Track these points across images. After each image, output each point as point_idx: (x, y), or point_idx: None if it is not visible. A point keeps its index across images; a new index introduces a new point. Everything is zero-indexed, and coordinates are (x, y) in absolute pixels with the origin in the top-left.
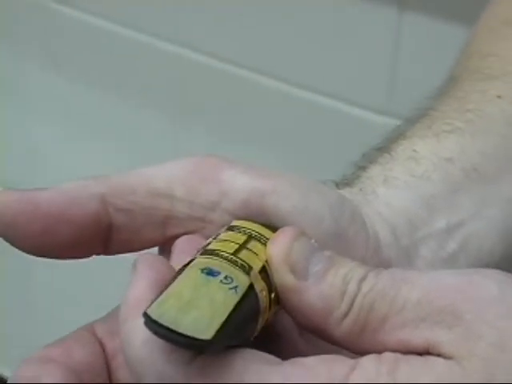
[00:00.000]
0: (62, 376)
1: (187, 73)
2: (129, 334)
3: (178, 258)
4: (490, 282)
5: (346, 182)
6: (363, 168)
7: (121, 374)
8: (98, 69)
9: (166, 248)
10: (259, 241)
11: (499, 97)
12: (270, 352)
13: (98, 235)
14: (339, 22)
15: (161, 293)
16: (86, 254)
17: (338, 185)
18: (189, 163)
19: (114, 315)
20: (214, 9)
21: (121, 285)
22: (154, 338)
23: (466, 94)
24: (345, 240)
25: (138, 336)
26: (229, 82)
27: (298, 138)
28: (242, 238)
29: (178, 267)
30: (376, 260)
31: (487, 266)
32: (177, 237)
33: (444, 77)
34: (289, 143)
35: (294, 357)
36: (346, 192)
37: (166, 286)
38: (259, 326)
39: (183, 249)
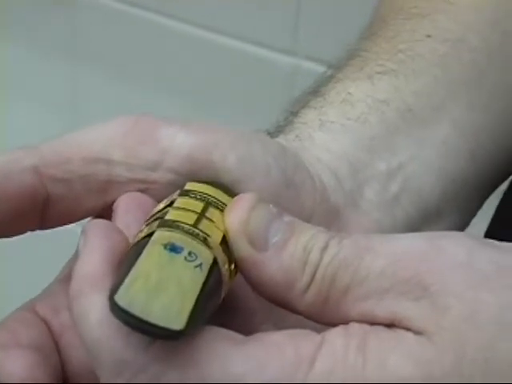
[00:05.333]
0: (31, 359)
1: (80, 15)
2: (82, 313)
3: (124, 219)
4: (458, 248)
5: (279, 130)
6: (296, 113)
7: (71, 351)
8: None
9: (104, 214)
10: (217, 207)
11: (429, 36)
12: (220, 308)
13: (34, 210)
14: None
15: (125, 271)
16: (20, 232)
17: (271, 134)
18: (123, 124)
19: (52, 290)
20: None
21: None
22: (111, 317)
23: (396, 33)
24: (293, 189)
25: (93, 315)
26: (133, 25)
27: (203, 79)
28: (199, 206)
29: (127, 231)
30: (325, 206)
31: (428, 206)
32: None
33: (348, 15)
34: (194, 85)
35: (245, 313)
36: (282, 140)
37: (128, 263)
38: (221, 300)
39: (128, 208)
